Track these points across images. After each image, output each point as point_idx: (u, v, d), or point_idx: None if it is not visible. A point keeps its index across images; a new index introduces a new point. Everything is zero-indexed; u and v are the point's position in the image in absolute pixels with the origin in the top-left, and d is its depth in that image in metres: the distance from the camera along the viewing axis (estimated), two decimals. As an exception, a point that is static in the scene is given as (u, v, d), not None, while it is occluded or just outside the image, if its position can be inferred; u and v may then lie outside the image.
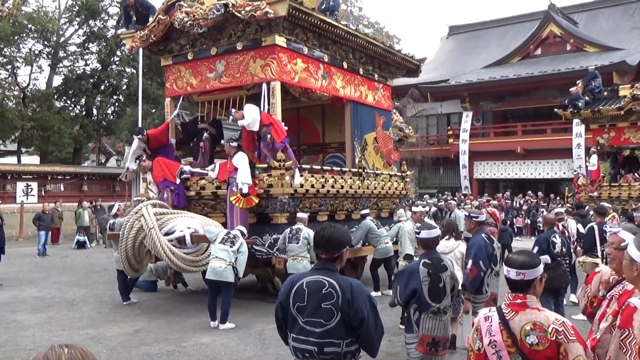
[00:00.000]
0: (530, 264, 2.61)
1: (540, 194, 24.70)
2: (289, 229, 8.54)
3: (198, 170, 10.09)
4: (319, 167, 10.62)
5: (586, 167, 18.44)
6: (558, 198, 23.06)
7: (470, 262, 5.39)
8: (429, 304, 4.26)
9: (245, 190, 8.71)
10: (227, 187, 9.16)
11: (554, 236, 7.00)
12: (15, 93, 29.32)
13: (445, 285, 4.33)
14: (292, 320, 2.97)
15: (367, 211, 10.37)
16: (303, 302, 2.92)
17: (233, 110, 9.54)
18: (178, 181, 9.71)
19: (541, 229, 15.53)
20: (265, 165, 9.29)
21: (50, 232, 17.78)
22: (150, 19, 10.18)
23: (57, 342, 1.46)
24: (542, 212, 18.13)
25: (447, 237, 6.37)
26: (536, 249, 6.90)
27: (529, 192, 24.67)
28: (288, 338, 3.07)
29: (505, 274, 2.65)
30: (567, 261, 7.32)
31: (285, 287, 3.07)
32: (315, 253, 3.18)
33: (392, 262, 9.99)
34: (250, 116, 9.16)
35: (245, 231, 8.24)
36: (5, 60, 26.90)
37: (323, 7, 10.96)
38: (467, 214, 6.47)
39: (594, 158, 16.71)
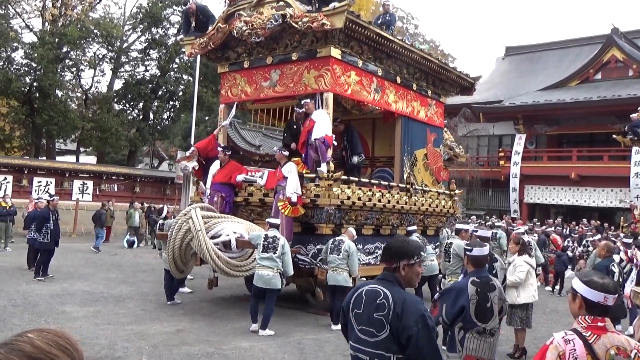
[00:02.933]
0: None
1: (593, 222, 23.81)
2: (331, 240, 8.53)
3: (247, 176, 10.24)
4: (367, 180, 10.57)
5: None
6: (612, 228, 22.19)
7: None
8: (474, 323, 4.15)
9: (294, 199, 8.77)
10: (274, 195, 9.24)
11: (613, 265, 6.75)
12: (78, 95, 30.65)
13: (492, 305, 4.21)
14: (350, 326, 2.94)
15: (414, 227, 10.25)
16: (360, 310, 2.88)
17: (307, 100, 9.49)
18: (241, 177, 9.97)
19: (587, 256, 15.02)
20: (313, 175, 9.32)
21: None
22: (210, 27, 10.44)
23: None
24: (589, 240, 17.48)
25: None
26: None
27: (584, 219, 23.81)
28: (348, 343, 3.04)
29: (601, 301, 2.52)
30: (623, 292, 7.04)
31: (350, 293, 3.04)
32: (381, 262, 3.13)
33: (436, 280, 9.82)
34: (323, 114, 9.17)
35: (277, 222, 8.27)
36: (71, 62, 28.14)
37: (379, 21, 11.00)
38: (471, 229, 6.52)
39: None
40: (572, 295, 2.65)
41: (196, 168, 10.60)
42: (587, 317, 2.52)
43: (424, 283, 9.86)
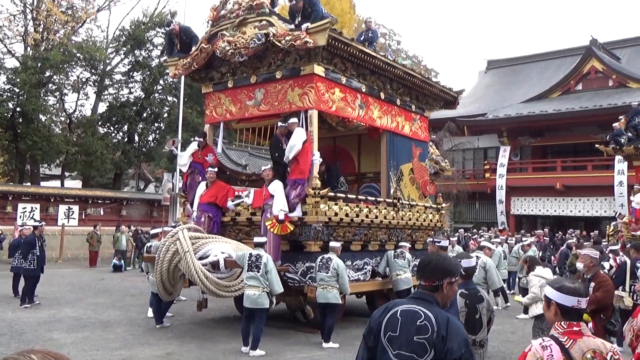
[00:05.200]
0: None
1: (577, 232, 23.98)
2: (319, 258, 8.50)
3: (234, 200, 10.15)
4: (354, 196, 10.58)
5: (629, 204, 17.85)
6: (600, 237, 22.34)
7: None
8: (464, 335, 4.14)
9: (281, 217, 8.74)
10: (262, 214, 9.21)
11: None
12: (62, 119, 30.45)
13: (481, 316, 4.21)
14: (382, 351, 2.70)
15: (405, 244, 10.32)
16: (395, 332, 2.66)
17: (294, 119, 9.37)
18: (230, 205, 9.88)
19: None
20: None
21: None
22: (193, 48, 10.48)
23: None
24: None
25: None
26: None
27: (570, 229, 23.99)
28: None
29: (575, 305, 2.58)
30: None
31: (379, 313, 2.81)
32: (417, 279, 2.94)
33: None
34: (298, 137, 9.13)
35: (262, 241, 8.24)
36: (54, 87, 28.00)
37: (362, 38, 11.11)
38: (431, 239, 6.87)
39: (639, 196, 16.18)
40: (547, 304, 2.69)
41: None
42: (563, 322, 2.58)
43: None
